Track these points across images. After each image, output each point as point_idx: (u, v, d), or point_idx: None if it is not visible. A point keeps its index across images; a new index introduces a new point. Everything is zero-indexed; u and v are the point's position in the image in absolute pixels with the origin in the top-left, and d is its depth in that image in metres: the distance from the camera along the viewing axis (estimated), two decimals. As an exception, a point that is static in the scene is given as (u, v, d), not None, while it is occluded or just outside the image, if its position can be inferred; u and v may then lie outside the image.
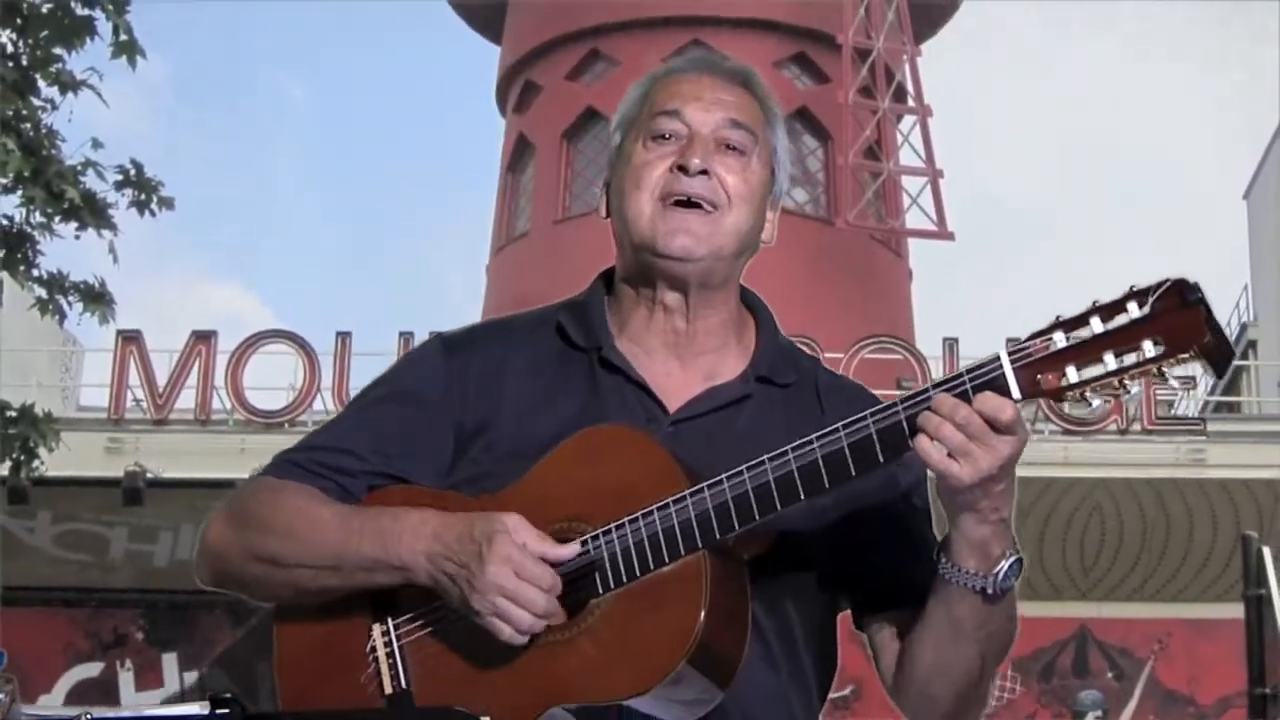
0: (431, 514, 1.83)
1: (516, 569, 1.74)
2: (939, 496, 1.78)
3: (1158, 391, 17.14)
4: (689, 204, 1.91)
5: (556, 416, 1.89)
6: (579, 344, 1.97)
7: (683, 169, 1.91)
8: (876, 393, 1.98)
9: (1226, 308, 28.23)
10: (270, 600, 1.94)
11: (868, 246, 23.34)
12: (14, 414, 10.33)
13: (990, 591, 1.78)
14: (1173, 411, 18.14)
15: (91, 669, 16.91)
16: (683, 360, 1.96)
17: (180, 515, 15.84)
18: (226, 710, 1.67)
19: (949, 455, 1.70)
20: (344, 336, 17.12)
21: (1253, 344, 26.96)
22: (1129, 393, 1.69)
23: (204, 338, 17.12)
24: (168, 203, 10.18)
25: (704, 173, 1.92)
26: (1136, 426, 16.91)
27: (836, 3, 22.92)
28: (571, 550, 1.77)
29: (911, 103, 23.22)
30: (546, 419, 1.90)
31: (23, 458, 10.41)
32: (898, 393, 1.80)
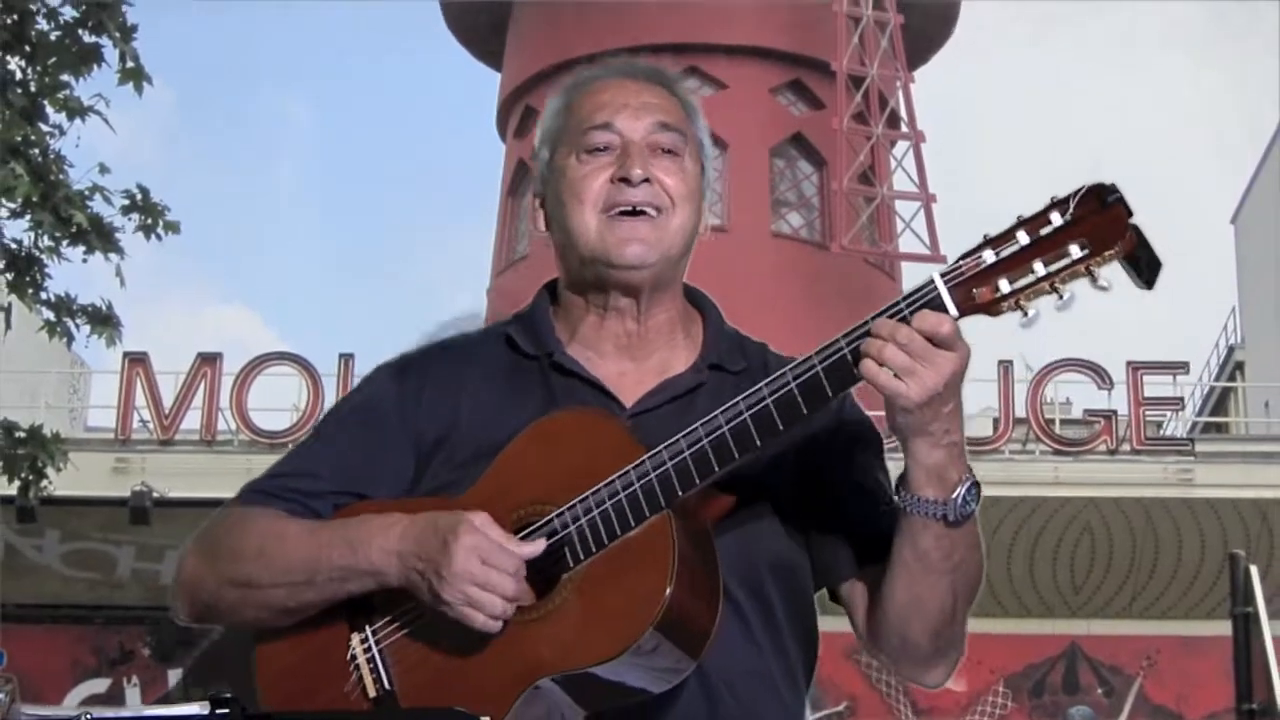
0: (397, 516, 1.84)
1: (483, 556, 1.75)
2: (891, 426, 1.79)
3: (1146, 413, 17.29)
4: (634, 212, 1.92)
5: (514, 421, 1.89)
6: (529, 353, 1.99)
7: (625, 180, 1.92)
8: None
9: (1214, 330, 28.50)
10: (250, 625, 1.93)
11: (862, 270, 23.53)
12: (22, 434, 10.31)
13: (952, 518, 1.79)
14: (1161, 432, 18.32)
15: (99, 685, 16.94)
16: (635, 360, 1.97)
17: (186, 534, 15.37)
18: (226, 710, 1.66)
19: (895, 377, 1.72)
20: (347, 358, 17.08)
21: (1240, 366, 27.11)
22: (1062, 297, 1.71)
23: (209, 360, 17.19)
24: (173, 227, 10.14)
25: (645, 180, 1.92)
26: (1126, 447, 16.88)
27: (831, 30, 23.17)
28: (537, 547, 1.78)
29: (905, 128, 23.46)
30: (504, 424, 1.90)
31: (31, 477, 10.37)
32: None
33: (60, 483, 10.83)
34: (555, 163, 1.99)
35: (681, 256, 1.98)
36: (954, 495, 1.78)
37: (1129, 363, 16.97)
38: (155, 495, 15.98)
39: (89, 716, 1.79)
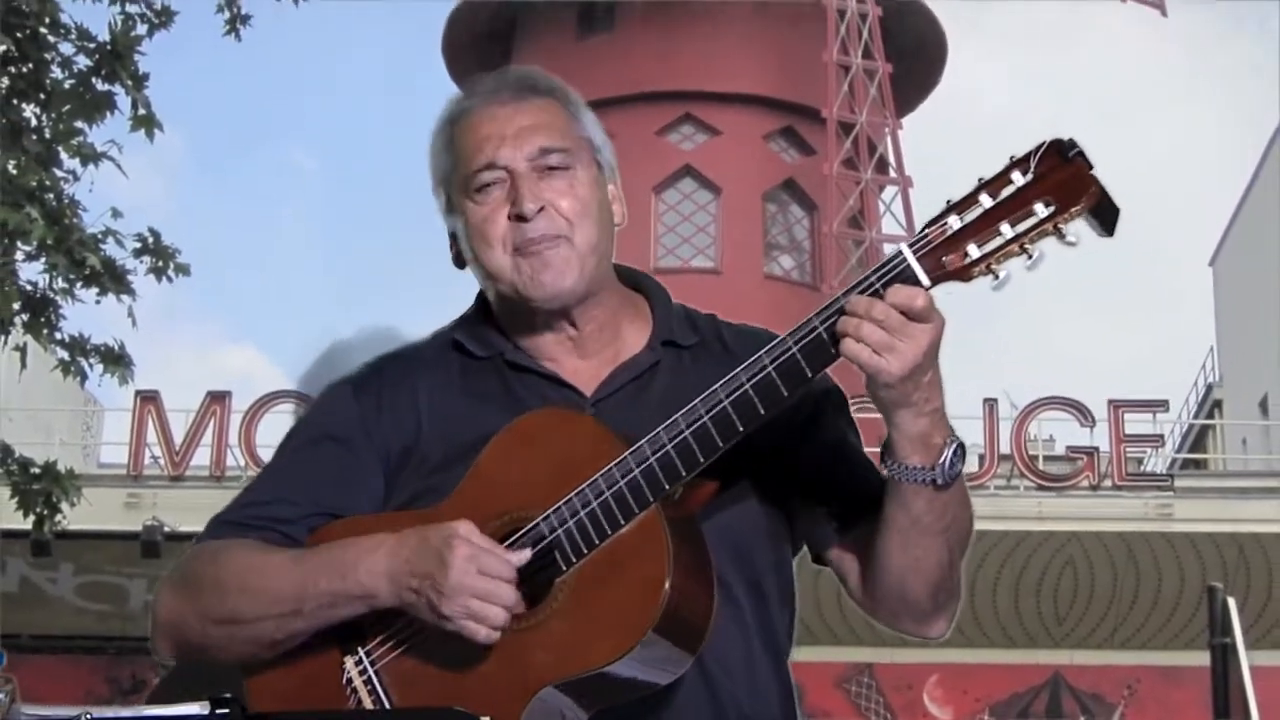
0: (382, 536, 1.79)
1: (480, 567, 1.71)
2: (873, 399, 1.75)
3: (1127, 449, 17.25)
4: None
5: (478, 423, 1.86)
6: (480, 354, 1.95)
7: (520, 218, 1.88)
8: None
9: (1193, 369, 28.84)
10: (237, 660, 1.88)
11: (851, 311, 23.80)
12: (37, 470, 10.25)
13: (940, 482, 1.77)
14: (1142, 468, 18.33)
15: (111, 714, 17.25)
16: (585, 357, 1.95)
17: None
18: (226, 710, 1.64)
19: (875, 353, 1.69)
20: (351, 396, 17.45)
21: (1218, 404, 27.43)
22: (1031, 257, 1.67)
23: (218, 398, 17.35)
24: (184, 269, 10.11)
25: (541, 208, 1.88)
26: (1107, 483, 17.00)
27: (822, 79, 23.67)
28: (523, 556, 1.74)
29: (893, 173, 24.00)
30: (468, 427, 1.87)
31: (46, 512, 10.30)
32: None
33: (74, 517, 10.81)
34: (454, 204, 1.95)
35: (599, 262, 1.93)
36: (941, 460, 1.77)
37: (1110, 401, 17.19)
38: (166, 530, 15.97)
39: (89, 716, 1.70)
